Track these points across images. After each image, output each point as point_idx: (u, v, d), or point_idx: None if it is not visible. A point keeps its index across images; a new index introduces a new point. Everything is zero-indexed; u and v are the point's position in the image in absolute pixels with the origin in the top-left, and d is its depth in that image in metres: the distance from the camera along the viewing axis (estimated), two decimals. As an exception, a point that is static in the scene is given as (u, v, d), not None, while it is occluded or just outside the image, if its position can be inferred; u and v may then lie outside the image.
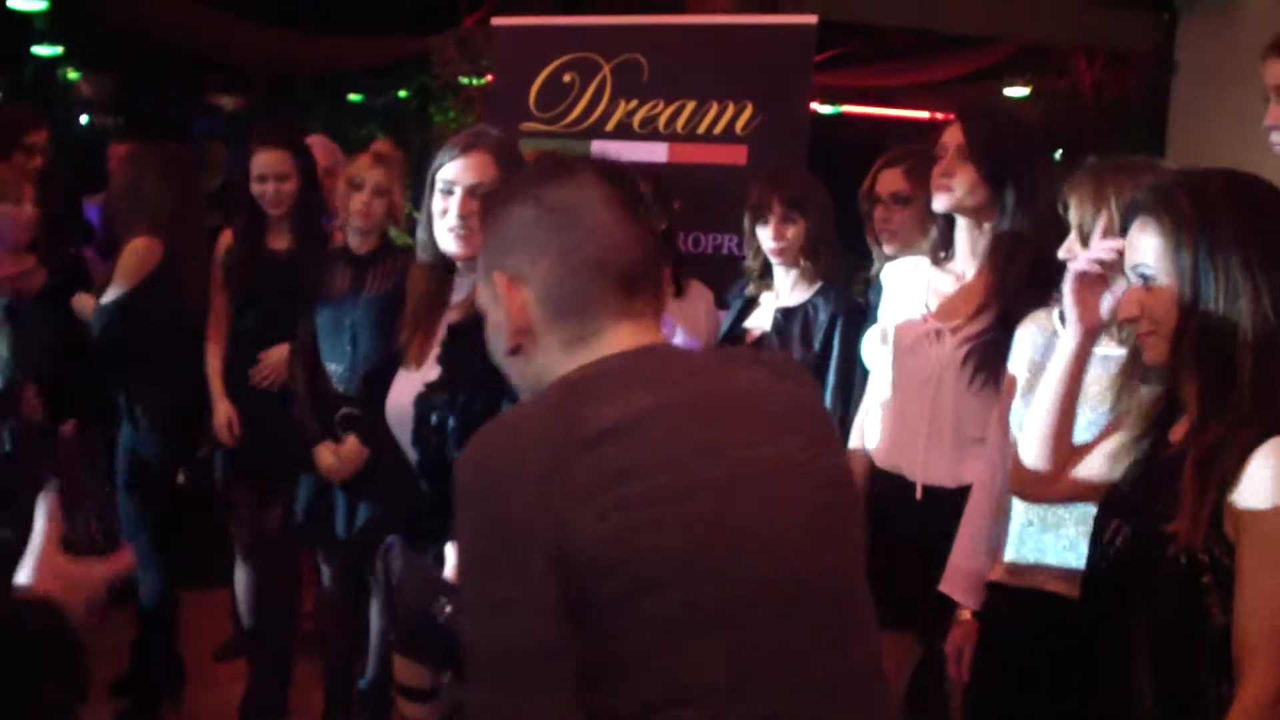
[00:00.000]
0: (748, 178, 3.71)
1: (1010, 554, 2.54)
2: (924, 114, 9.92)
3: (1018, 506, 2.52)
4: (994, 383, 2.73)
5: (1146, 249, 1.83)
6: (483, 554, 1.33)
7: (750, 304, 3.61)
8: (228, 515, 4.19)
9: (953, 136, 2.84)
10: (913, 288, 2.99)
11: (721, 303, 3.82)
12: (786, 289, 3.54)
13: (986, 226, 2.85)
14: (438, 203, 2.65)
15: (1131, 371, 2.04)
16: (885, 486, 2.93)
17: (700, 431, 1.38)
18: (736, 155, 4.14)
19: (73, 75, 10.41)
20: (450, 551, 1.74)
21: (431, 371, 2.68)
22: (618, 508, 1.29)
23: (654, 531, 1.30)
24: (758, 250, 3.54)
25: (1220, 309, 1.76)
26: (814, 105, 4.47)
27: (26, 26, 9.20)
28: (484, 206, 1.60)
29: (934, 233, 2.97)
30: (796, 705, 1.36)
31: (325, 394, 3.80)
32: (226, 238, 4.08)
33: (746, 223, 3.52)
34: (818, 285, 3.49)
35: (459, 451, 2.55)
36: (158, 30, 8.83)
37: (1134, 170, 2.38)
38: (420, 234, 2.73)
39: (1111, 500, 1.99)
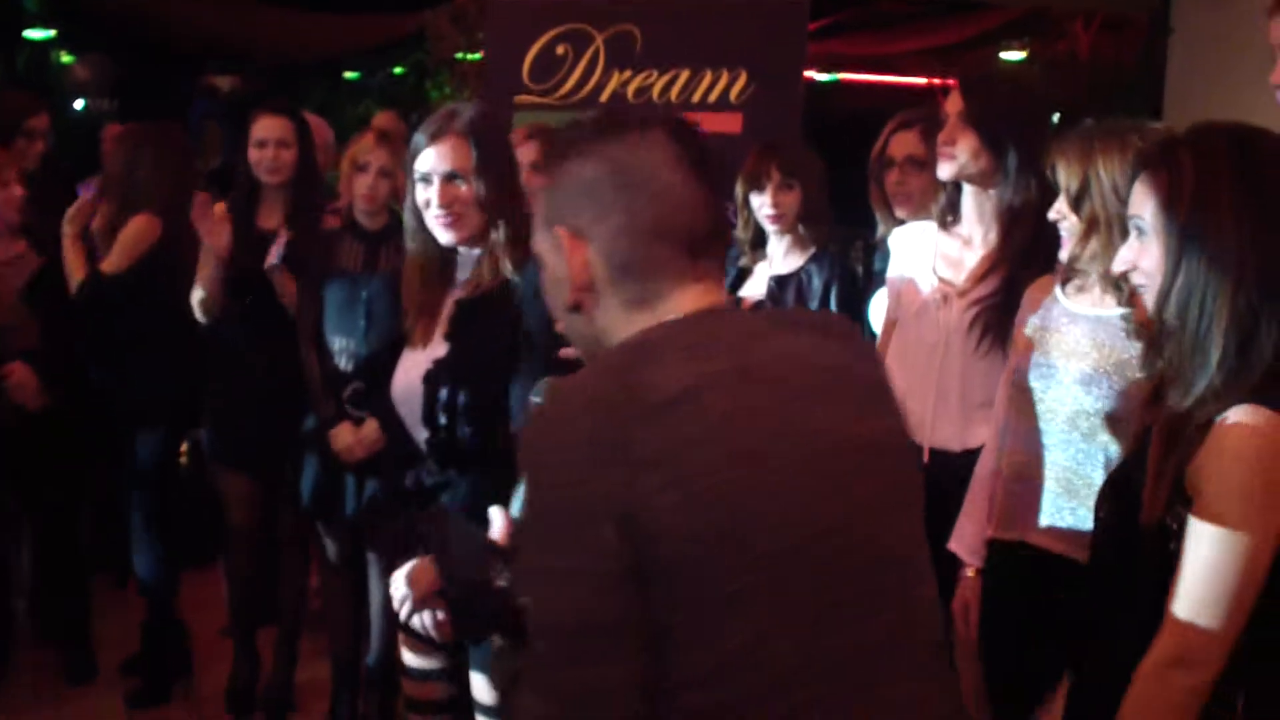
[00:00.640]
0: (743, 146, 3.71)
1: (1045, 520, 2.52)
2: (921, 80, 9.88)
3: (1048, 475, 2.51)
4: (1000, 346, 2.74)
5: (1144, 203, 1.82)
6: (550, 522, 1.31)
7: (744, 274, 3.62)
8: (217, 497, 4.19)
9: (953, 104, 2.85)
10: (921, 252, 3.00)
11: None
12: (780, 256, 3.55)
13: (992, 192, 2.85)
14: (420, 193, 2.61)
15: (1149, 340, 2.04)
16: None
17: (760, 401, 1.35)
18: (732, 123, 4.15)
19: (67, 59, 10.37)
20: (496, 515, 1.72)
21: (439, 349, 2.66)
22: (680, 478, 1.27)
23: (714, 503, 1.28)
24: (748, 220, 3.54)
25: (1205, 276, 1.74)
26: (810, 73, 4.46)
27: (19, 10, 9.16)
28: (546, 156, 1.54)
29: (941, 198, 2.97)
30: (851, 675, 1.35)
31: (330, 373, 3.80)
32: (218, 212, 3.98)
33: (740, 191, 3.52)
34: (811, 252, 3.49)
35: (469, 428, 2.58)
36: (152, 11, 8.81)
37: (1121, 133, 2.38)
38: (409, 221, 2.70)
39: (1112, 471, 2.00)
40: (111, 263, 4.05)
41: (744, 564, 1.28)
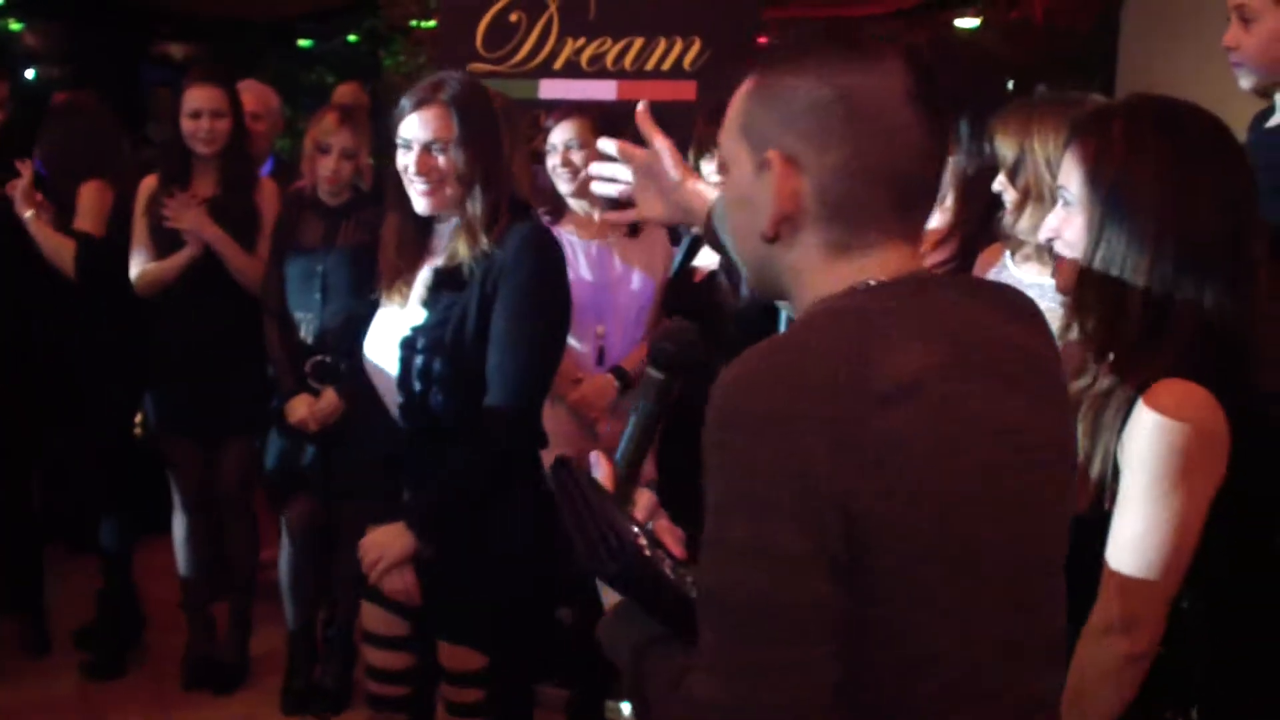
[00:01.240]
0: (698, 113, 3.71)
1: None
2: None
3: None
4: None
5: (1070, 170, 1.82)
6: (762, 499, 1.19)
7: (697, 242, 3.62)
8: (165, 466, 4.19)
9: None
10: None
11: (674, 238, 3.84)
12: None
13: (949, 160, 2.86)
14: (400, 158, 2.61)
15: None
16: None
17: (974, 399, 1.26)
18: (686, 91, 4.15)
19: (15, 26, 10.21)
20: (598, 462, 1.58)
21: (416, 315, 2.66)
22: (901, 478, 1.19)
23: (927, 507, 1.21)
24: None
25: (1124, 249, 1.74)
26: (766, 39, 4.45)
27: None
28: (763, 69, 1.36)
29: None
30: (1010, 677, 1.31)
31: (293, 345, 3.81)
32: (149, 184, 3.97)
33: (690, 158, 3.52)
34: None
35: (442, 395, 2.59)
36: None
37: (1063, 105, 2.39)
38: (391, 184, 2.69)
39: None
40: (91, 225, 4.02)
41: (945, 573, 1.23)
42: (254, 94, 4.45)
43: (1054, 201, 2.36)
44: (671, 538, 1.52)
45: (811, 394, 1.18)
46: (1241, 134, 2.56)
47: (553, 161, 3.65)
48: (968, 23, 8.77)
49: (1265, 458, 1.73)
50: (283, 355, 3.81)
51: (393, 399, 2.69)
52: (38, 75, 10.38)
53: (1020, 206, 2.43)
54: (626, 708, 3.63)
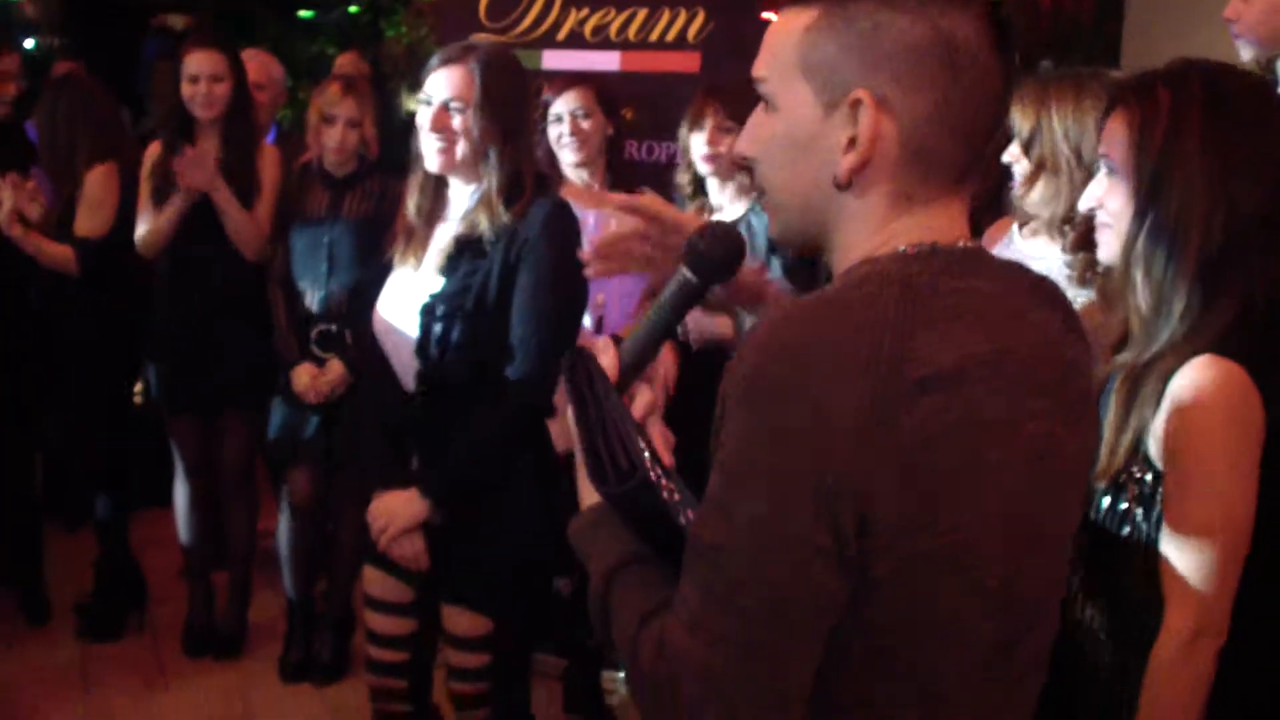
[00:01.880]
0: (701, 85, 3.70)
1: None
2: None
3: None
4: None
5: (1114, 139, 1.78)
6: (783, 476, 1.13)
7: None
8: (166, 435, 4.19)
9: None
10: None
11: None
12: (726, 203, 3.54)
13: None
14: (420, 114, 2.63)
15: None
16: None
17: (1002, 399, 1.19)
18: (690, 62, 4.12)
19: (15, -4, 10.17)
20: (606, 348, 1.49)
21: (434, 281, 2.66)
22: (931, 471, 1.14)
23: (945, 514, 1.16)
24: (689, 164, 3.53)
25: (1172, 218, 1.70)
26: (769, 13, 4.43)
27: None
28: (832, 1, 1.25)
29: None
30: (994, 690, 1.28)
31: (298, 314, 3.82)
32: (153, 150, 3.96)
33: (683, 132, 3.51)
34: (752, 198, 3.48)
35: (460, 363, 2.58)
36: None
37: (1076, 79, 2.39)
38: (414, 145, 2.69)
39: None
40: (93, 223, 4.01)
41: (944, 583, 1.18)
42: (257, 64, 4.44)
43: (1070, 173, 2.36)
44: (663, 443, 1.46)
45: (850, 375, 1.12)
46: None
47: (558, 130, 3.64)
48: (972, 0, 8.77)
49: None
50: (288, 325, 3.82)
51: (407, 364, 2.69)
52: (37, 45, 10.34)
53: (1033, 179, 2.42)
54: (623, 676, 3.64)
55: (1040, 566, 1.28)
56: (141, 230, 3.89)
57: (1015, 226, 2.56)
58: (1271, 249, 1.71)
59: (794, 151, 1.28)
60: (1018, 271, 1.31)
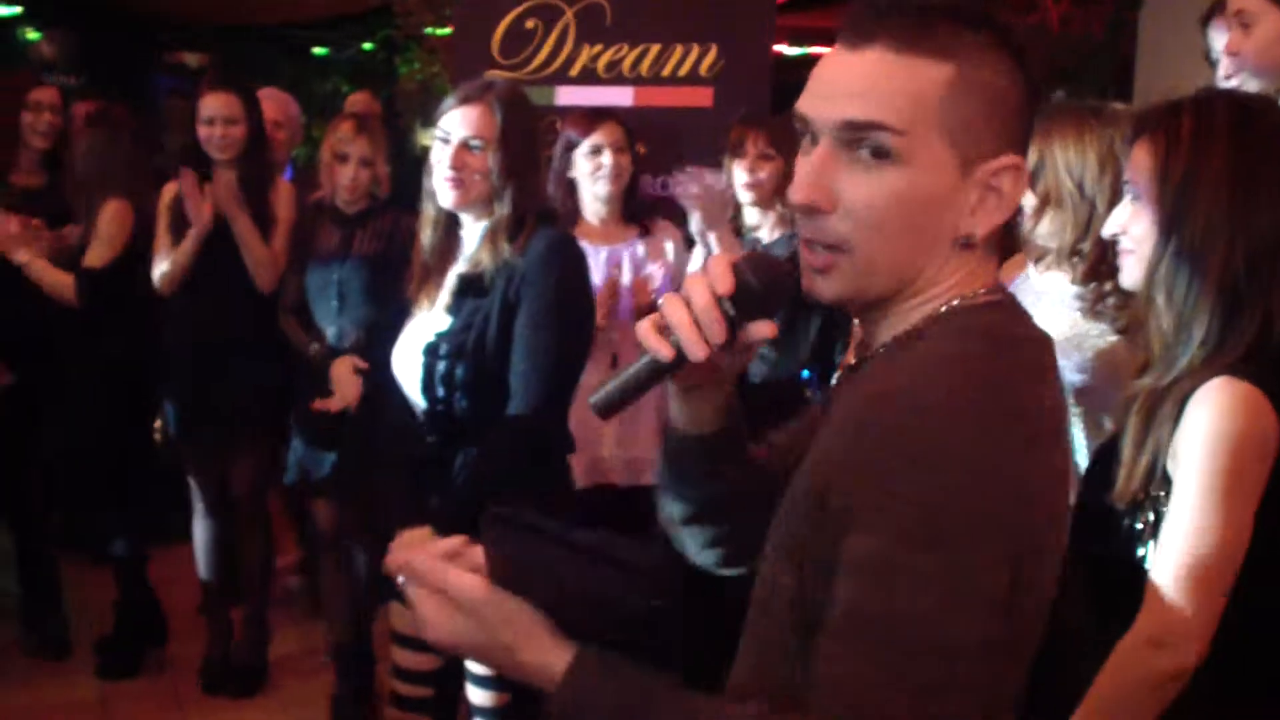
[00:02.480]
0: (714, 120, 3.73)
1: None
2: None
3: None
4: None
5: (1139, 166, 1.80)
6: (972, 533, 1.10)
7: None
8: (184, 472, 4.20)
9: None
10: None
11: (689, 242, 3.84)
12: (767, 233, 3.57)
13: None
14: (436, 151, 2.65)
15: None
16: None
17: (1067, 439, 1.25)
18: (702, 97, 4.15)
19: (33, 35, 10.26)
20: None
21: (441, 320, 2.68)
22: (1053, 518, 1.16)
23: (1050, 558, 1.16)
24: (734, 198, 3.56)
25: (1195, 244, 1.72)
26: (780, 46, 4.46)
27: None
28: (963, 61, 1.20)
29: None
30: None
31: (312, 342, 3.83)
32: (170, 190, 3.99)
33: (726, 162, 3.54)
34: (787, 230, 3.50)
35: (465, 401, 2.59)
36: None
37: (1078, 113, 2.42)
38: (426, 182, 2.72)
39: (1095, 451, 2.02)
40: (98, 255, 4.04)
41: (1038, 630, 1.18)
42: (275, 102, 4.48)
43: (1074, 206, 2.38)
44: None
45: (1000, 430, 1.12)
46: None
47: (594, 163, 3.63)
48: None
49: None
50: (304, 337, 3.84)
51: (418, 403, 2.70)
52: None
53: (1039, 212, 2.43)
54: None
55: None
56: (162, 268, 3.92)
57: (1030, 264, 2.56)
58: None
59: (915, 208, 1.21)
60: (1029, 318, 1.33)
